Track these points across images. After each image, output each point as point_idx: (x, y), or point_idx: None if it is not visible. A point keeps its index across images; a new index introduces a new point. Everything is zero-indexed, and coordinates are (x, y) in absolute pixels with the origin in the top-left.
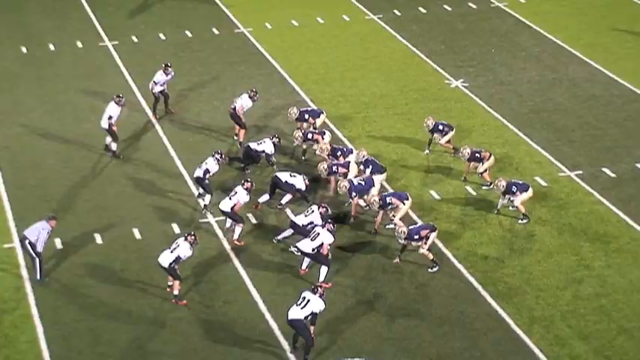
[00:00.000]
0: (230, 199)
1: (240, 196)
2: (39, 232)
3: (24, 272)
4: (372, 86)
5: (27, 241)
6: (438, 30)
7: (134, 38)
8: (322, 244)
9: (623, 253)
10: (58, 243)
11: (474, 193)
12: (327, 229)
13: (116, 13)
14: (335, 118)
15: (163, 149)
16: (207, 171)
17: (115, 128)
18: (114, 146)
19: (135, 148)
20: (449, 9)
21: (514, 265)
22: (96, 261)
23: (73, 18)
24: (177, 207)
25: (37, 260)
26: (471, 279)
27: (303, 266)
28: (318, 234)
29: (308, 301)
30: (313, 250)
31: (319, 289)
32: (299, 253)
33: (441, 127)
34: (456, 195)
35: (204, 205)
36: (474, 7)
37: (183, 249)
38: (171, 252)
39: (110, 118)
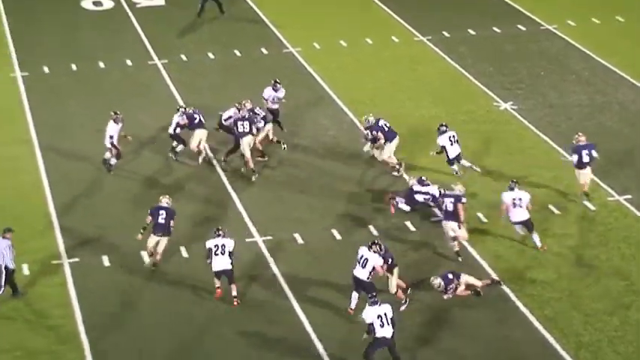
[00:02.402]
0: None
1: (374, 259)
2: (0, 252)
3: (71, 289)
4: (421, 108)
5: (2, 267)
6: (487, 52)
7: (183, 57)
8: (374, 268)
9: None
10: (105, 260)
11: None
12: (374, 251)
13: (166, 32)
14: None
15: (210, 167)
16: (177, 124)
17: (118, 146)
18: (113, 161)
19: (184, 165)
20: (498, 31)
21: (562, 289)
22: (143, 279)
23: (124, 36)
24: (223, 226)
25: (9, 286)
26: (518, 303)
27: (352, 305)
28: (367, 259)
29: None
30: (368, 277)
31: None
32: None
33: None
34: (505, 217)
35: (175, 152)
36: (524, 29)
37: (229, 244)
38: (223, 254)
39: (111, 137)
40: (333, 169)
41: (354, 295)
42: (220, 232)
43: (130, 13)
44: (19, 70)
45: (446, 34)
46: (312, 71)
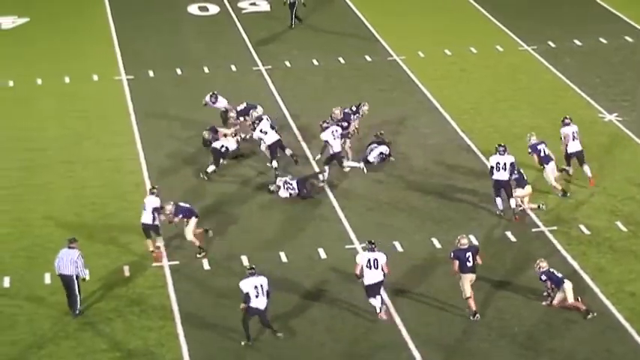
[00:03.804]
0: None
1: (382, 256)
2: (73, 262)
3: (171, 291)
4: (524, 118)
5: (74, 277)
6: (592, 63)
7: (287, 63)
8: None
9: None
10: (205, 264)
11: (625, 229)
12: (377, 250)
13: (270, 38)
14: (485, 149)
15: (310, 172)
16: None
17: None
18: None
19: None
20: (604, 42)
21: None
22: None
23: (228, 42)
24: (322, 232)
25: (79, 298)
26: (619, 316)
27: (379, 308)
28: (376, 259)
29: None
30: (384, 275)
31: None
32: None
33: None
34: (606, 230)
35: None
36: (631, 40)
37: (152, 201)
38: (145, 209)
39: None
40: (434, 177)
41: (375, 299)
42: (154, 191)
43: (236, 19)
44: (125, 74)
45: (551, 44)
46: (416, 79)
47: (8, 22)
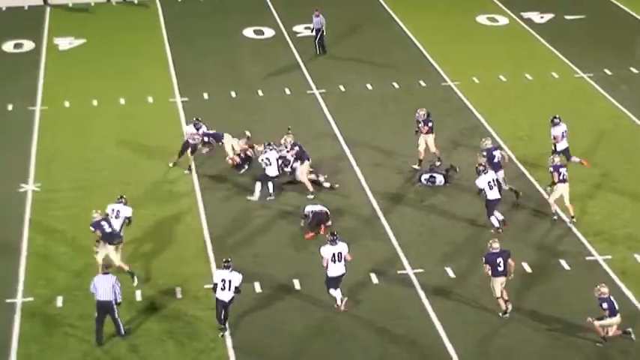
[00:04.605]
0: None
1: (344, 247)
2: (113, 287)
3: None
4: (579, 146)
5: (113, 303)
6: None
7: (341, 87)
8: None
9: None
10: (257, 286)
11: None
12: (340, 240)
13: (325, 62)
14: (539, 176)
15: (363, 196)
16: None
17: None
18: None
19: (338, 195)
20: None
21: None
22: (293, 305)
23: (283, 65)
24: (373, 256)
25: (120, 320)
26: None
27: (339, 301)
28: (340, 252)
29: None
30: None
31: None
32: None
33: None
34: None
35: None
36: None
37: (125, 211)
38: (117, 217)
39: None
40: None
41: (336, 291)
42: (122, 200)
43: (290, 42)
44: (179, 96)
45: (607, 71)
46: (470, 105)
47: (65, 43)
